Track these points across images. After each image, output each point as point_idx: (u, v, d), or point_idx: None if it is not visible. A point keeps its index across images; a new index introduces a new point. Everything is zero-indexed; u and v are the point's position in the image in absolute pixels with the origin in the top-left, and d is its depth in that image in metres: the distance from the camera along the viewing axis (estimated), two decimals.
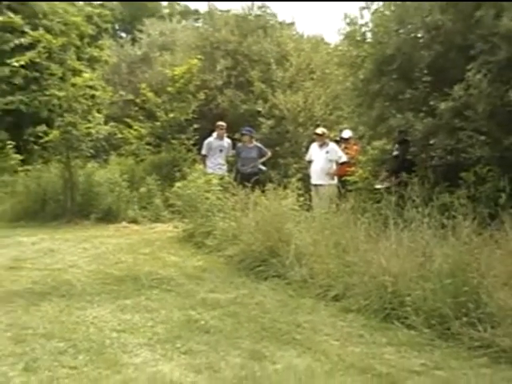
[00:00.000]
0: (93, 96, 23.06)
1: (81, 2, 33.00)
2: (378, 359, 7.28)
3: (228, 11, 26.19)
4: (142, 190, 20.32)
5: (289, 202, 13.27)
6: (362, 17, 13.80)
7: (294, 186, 13.98)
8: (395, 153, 13.76)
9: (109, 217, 19.48)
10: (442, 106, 11.38)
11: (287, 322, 8.82)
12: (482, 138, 11.10)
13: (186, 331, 8.41)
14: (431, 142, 11.71)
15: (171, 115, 22.46)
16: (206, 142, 19.59)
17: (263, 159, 18.94)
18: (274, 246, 11.80)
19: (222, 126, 19.67)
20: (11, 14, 24.00)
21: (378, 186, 13.49)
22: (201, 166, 18.11)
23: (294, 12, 41.15)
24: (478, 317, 7.70)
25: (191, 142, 21.19)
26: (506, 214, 9.19)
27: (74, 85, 21.83)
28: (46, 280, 11.59)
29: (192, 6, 47.40)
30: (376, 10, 13.57)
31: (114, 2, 49.32)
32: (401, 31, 12.64)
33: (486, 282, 8.02)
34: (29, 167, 21.52)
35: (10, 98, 22.77)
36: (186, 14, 46.47)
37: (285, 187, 13.98)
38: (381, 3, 13.53)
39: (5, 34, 23.64)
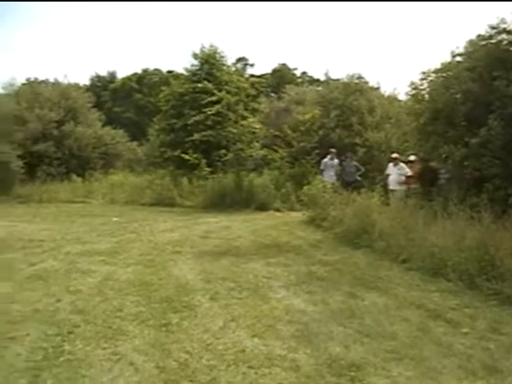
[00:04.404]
0: (253, 132, 23.51)
1: (247, 75, 33.52)
2: (429, 300, 7.29)
3: (338, 80, 26.09)
4: (283, 190, 20.33)
5: (374, 200, 13.22)
6: (422, 84, 13.73)
7: (378, 190, 13.91)
8: (442, 170, 13.61)
9: (262, 207, 19.61)
10: (473, 141, 11.32)
11: (372, 275, 8.84)
12: (497, 161, 10.95)
13: (308, 279, 8.53)
14: (465, 163, 11.53)
15: (301, 144, 22.56)
16: (323, 161, 19.58)
17: (359, 173, 18.88)
18: (364, 227, 11.79)
19: (333, 151, 19.65)
20: (206, 83, 24.47)
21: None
22: (319, 177, 18.11)
23: (379, 79, 41.92)
24: (493, 275, 7.78)
25: (314, 161, 21.12)
26: None
27: (242, 125, 22.27)
28: (223, 245, 11.84)
29: (315, 76, 47.58)
30: (431, 80, 13.47)
31: (266, 75, 49.58)
32: (447, 93, 12.47)
33: (499, 253, 8.00)
34: (214, 176, 21.85)
35: (204, 133, 23.16)
36: (311, 81, 46.52)
37: (372, 191, 13.93)
38: (434, 75, 13.46)
39: (202, 94, 24.09)
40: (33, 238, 12.47)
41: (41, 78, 37.46)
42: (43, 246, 11.41)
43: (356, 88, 24.24)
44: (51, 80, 34.81)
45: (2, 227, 14.32)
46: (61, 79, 33.52)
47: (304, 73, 59.63)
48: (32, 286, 7.93)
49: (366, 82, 25.62)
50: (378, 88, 26.54)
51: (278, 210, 19.53)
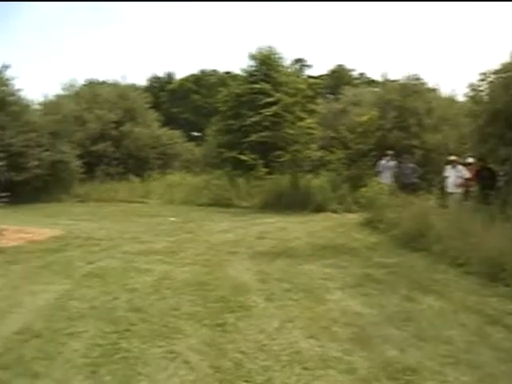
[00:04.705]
0: (310, 133, 23.43)
1: (305, 76, 33.56)
2: (486, 304, 7.15)
3: (394, 81, 25.81)
4: (340, 192, 20.32)
5: (431, 202, 13.11)
6: (480, 85, 13.59)
7: (435, 193, 13.80)
8: (501, 173, 13.40)
9: (318, 208, 19.56)
10: None
11: (428, 279, 8.73)
12: None
13: (364, 281, 8.48)
14: None
15: (359, 146, 22.41)
16: (380, 163, 19.60)
17: (416, 175, 18.68)
18: (421, 229, 11.67)
19: (390, 153, 19.62)
20: (264, 84, 24.56)
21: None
22: (376, 178, 18.02)
23: (438, 80, 41.35)
24: None
25: (370, 162, 21.01)
26: None
27: (299, 126, 22.29)
28: (279, 246, 11.91)
29: (374, 77, 47.14)
30: (490, 81, 13.33)
31: (324, 77, 49.37)
32: (506, 94, 12.29)
33: None
34: (271, 176, 21.98)
35: (261, 134, 23.24)
36: (368, 82, 46.11)
37: (429, 193, 13.81)
38: (493, 76, 13.31)
39: (259, 95, 24.18)
40: (91, 237, 12.80)
41: (100, 79, 38.13)
42: (101, 245, 11.72)
43: (413, 89, 23.98)
44: (110, 81, 35.55)
45: (61, 225, 14.67)
46: (119, 80, 34.23)
47: (362, 74, 59.20)
48: (89, 284, 8.17)
49: (424, 84, 25.31)
50: (435, 89, 26.18)
51: (334, 211, 19.44)
